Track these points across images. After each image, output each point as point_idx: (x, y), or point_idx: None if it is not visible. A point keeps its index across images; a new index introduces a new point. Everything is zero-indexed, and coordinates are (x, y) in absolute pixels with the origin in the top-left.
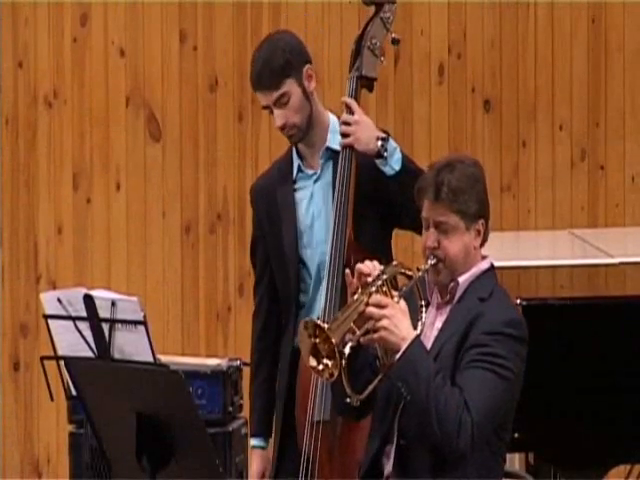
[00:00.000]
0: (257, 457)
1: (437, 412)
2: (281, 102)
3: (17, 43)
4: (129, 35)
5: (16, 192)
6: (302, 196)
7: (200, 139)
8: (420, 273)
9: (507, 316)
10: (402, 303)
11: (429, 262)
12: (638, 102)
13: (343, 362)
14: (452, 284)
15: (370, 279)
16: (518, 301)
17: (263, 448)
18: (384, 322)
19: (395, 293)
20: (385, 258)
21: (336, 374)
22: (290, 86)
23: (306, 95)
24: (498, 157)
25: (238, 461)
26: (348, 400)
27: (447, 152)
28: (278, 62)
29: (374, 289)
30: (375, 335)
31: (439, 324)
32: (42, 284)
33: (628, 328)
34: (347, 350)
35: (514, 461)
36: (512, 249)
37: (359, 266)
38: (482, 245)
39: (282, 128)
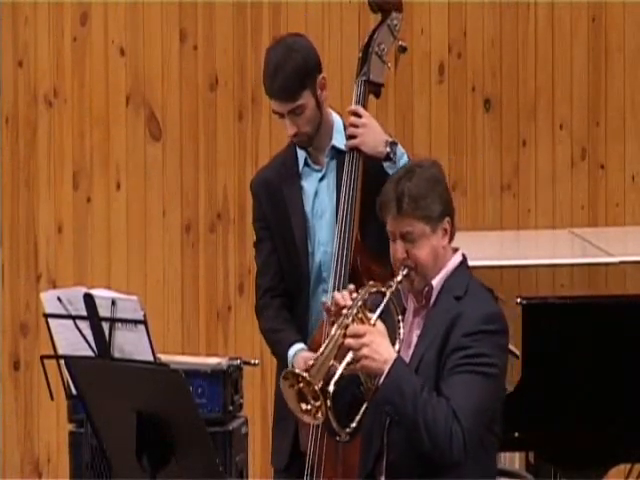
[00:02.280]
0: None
1: (427, 428)
2: (296, 113)
3: (17, 42)
4: (129, 35)
5: (16, 191)
6: (307, 192)
7: (200, 138)
8: (393, 287)
9: (484, 311)
10: (379, 324)
11: (401, 273)
12: (638, 102)
13: (329, 402)
14: (426, 288)
15: (345, 310)
16: (518, 300)
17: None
18: (364, 351)
19: (371, 315)
20: (388, 259)
21: (324, 414)
22: (306, 98)
23: (319, 105)
24: (498, 156)
25: (238, 460)
26: (338, 439)
27: (447, 151)
28: (295, 72)
29: (350, 319)
30: (357, 365)
31: (418, 330)
32: (42, 283)
33: (628, 328)
34: (331, 388)
35: (514, 461)
36: (512, 248)
37: (335, 297)
38: (450, 241)
39: (293, 136)
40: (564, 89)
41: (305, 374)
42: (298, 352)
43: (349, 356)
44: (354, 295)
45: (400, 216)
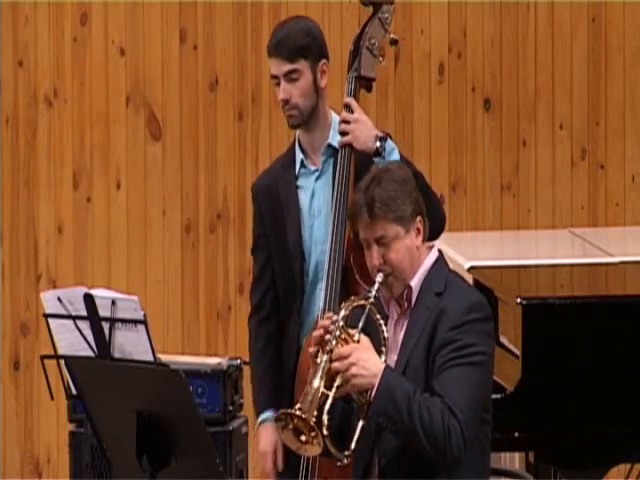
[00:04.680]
0: (267, 431)
1: (424, 430)
2: (290, 77)
3: (17, 42)
4: (129, 35)
5: (16, 191)
6: (304, 193)
7: (200, 138)
8: (372, 298)
9: (466, 303)
10: (363, 339)
11: (378, 280)
12: (638, 102)
13: (325, 431)
14: (406, 291)
15: (327, 336)
16: (518, 300)
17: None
18: (352, 370)
19: (353, 332)
20: None
21: (321, 444)
22: (303, 66)
23: (316, 86)
24: (498, 156)
25: (238, 460)
26: (339, 464)
27: (447, 151)
28: (300, 40)
29: (334, 343)
30: (348, 386)
31: (402, 332)
32: (42, 283)
33: (628, 328)
34: (325, 417)
35: (514, 461)
36: (512, 248)
37: (321, 324)
38: (424, 240)
39: (284, 103)
40: (564, 89)
41: (299, 412)
42: (263, 423)
43: (338, 379)
44: (334, 318)
45: (372, 221)
